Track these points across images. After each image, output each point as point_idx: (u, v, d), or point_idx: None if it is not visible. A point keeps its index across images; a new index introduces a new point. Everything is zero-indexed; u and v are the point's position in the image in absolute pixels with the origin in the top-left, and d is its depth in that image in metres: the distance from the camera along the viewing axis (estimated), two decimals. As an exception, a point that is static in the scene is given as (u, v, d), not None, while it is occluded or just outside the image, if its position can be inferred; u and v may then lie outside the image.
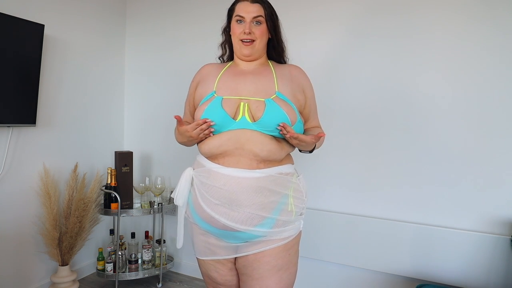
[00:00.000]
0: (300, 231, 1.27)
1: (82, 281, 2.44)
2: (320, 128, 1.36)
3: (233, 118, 1.16)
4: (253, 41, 1.22)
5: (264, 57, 1.31)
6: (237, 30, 1.24)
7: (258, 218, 1.14)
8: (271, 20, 1.26)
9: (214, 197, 1.15)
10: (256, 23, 1.22)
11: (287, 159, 1.25)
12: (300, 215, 1.25)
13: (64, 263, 2.16)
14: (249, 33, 1.21)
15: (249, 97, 1.18)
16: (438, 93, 1.84)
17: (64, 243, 2.14)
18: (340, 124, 2.07)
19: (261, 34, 1.23)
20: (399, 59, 1.92)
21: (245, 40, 1.22)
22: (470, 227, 1.79)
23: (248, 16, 1.21)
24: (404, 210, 1.93)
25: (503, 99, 1.73)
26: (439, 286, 1.67)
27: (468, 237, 1.76)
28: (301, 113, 1.28)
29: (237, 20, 1.24)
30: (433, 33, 1.84)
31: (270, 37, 1.29)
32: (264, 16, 1.23)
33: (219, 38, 1.39)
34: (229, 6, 1.31)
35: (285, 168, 1.21)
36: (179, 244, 1.35)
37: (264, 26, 1.24)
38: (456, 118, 1.82)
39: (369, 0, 1.98)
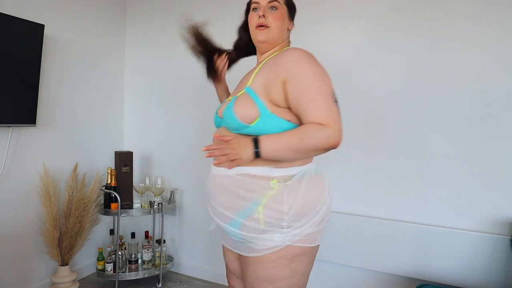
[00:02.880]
0: (296, 246, 1.07)
1: (82, 281, 2.44)
2: (317, 125, 1.07)
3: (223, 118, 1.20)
4: (268, 27, 1.16)
5: (280, 46, 1.22)
6: (253, 18, 1.19)
7: (224, 217, 1.14)
8: (290, 8, 1.21)
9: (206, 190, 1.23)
10: (271, 8, 1.17)
11: (265, 160, 1.06)
12: (288, 228, 1.05)
13: (64, 263, 2.16)
14: (263, 16, 1.15)
15: (233, 96, 1.19)
16: (439, 93, 1.84)
17: (64, 243, 2.14)
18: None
19: (275, 19, 1.16)
20: (402, 61, 1.92)
21: (259, 26, 1.17)
22: (470, 227, 1.79)
23: (263, 2, 1.17)
24: (404, 210, 1.93)
25: (502, 100, 1.73)
26: (439, 286, 1.67)
27: (468, 237, 1.76)
28: (288, 106, 1.09)
29: (253, 9, 1.20)
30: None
31: (290, 28, 1.24)
32: (280, 2, 1.18)
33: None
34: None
35: (254, 170, 1.07)
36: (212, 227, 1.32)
37: (280, 12, 1.17)
38: (456, 119, 1.81)
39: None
